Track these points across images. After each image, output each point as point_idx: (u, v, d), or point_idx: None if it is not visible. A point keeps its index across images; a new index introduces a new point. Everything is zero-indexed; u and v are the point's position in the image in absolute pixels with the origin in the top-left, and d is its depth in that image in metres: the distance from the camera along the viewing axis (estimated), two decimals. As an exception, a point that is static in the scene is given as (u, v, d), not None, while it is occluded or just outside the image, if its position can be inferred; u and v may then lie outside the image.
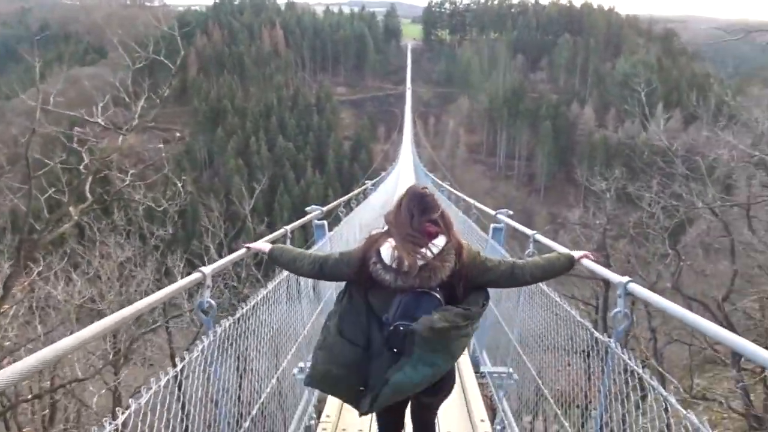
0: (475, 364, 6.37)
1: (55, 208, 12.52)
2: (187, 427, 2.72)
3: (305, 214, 6.60)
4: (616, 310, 2.86)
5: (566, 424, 3.79)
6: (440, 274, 2.74)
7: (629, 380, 2.66)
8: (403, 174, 39.70)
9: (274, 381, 4.21)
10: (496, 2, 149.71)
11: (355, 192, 11.75)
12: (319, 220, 6.76)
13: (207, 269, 3.00)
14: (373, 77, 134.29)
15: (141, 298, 2.69)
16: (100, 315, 12.70)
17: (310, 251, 3.73)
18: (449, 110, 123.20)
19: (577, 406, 3.83)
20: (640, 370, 2.54)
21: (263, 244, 3.50)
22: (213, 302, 2.97)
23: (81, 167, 12.30)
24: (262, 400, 3.90)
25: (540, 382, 4.32)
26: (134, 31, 65.49)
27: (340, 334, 2.89)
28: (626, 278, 2.84)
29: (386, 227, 2.92)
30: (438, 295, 2.75)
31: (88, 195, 12.39)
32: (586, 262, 3.22)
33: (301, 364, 5.06)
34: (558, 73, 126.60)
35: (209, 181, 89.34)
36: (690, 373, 13.26)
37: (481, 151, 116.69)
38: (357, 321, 2.89)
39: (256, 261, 14.72)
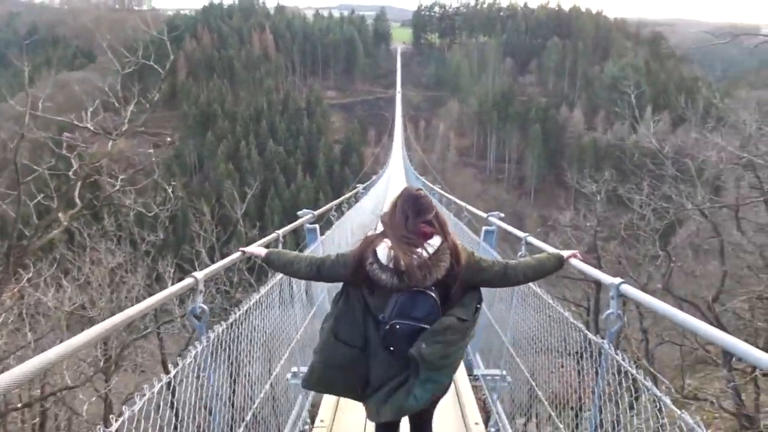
0: (469, 367, 6.37)
1: (44, 213, 12.43)
2: (180, 433, 2.71)
3: (296, 218, 6.58)
4: (608, 311, 2.88)
5: (560, 426, 3.79)
6: (435, 273, 2.78)
7: (623, 381, 2.68)
8: (393, 177, 39.77)
9: (267, 386, 4.19)
10: (485, 6, 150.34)
11: (347, 196, 11.75)
12: (310, 224, 6.75)
13: (199, 274, 2.99)
14: (363, 81, 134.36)
15: (132, 305, 2.68)
16: (91, 322, 12.61)
17: (305, 254, 3.80)
18: (439, 114, 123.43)
19: (571, 408, 3.84)
20: (634, 371, 2.55)
21: (258, 249, 3.50)
22: (206, 307, 2.96)
23: (70, 173, 12.22)
24: (255, 405, 3.89)
25: (534, 384, 4.33)
26: (123, 35, 65.33)
27: (335, 337, 2.94)
28: (618, 279, 2.86)
29: (382, 228, 2.96)
30: (433, 295, 2.79)
31: (78, 200, 12.32)
32: (574, 261, 3.32)
33: (295, 369, 5.05)
34: (547, 76, 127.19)
35: (199, 186, 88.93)
36: (681, 373, 13.32)
37: (471, 154, 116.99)
38: (353, 322, 2.93)
39: (249, 266, 14.68)
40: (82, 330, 2.09)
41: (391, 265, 2.76)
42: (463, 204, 9.25)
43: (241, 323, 3.60)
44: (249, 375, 3.93)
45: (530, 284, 4.31)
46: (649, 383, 2.33)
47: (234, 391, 3.67)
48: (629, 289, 2.79)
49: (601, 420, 2.97)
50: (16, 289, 11.76)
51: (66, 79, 69.40)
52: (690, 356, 14.04)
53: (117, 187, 13.11)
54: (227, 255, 3.89)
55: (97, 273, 14.64)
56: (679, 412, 2.05)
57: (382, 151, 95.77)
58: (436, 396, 2.95)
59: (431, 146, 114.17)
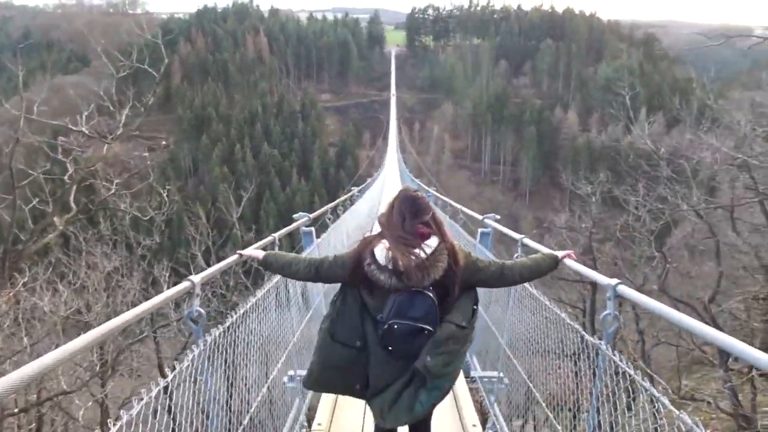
0: (466, 370, 6.37)
1: (40, 218, 12.40)
2: (177, 437, 2.70)
3: (291, 221, 6.56)
4: (605, 312, 2.88)
5: (558, 428, 3.79)
6: (433, 273, 2.82)
7: (621, 382, 2.68)
8: (389, 180, 39.78)
9: (264, 389, 4.18)
10: (479, 8, 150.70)
11: (342, 198, 11.74)
12: (306, 227, 6.75)
13: (196, 278, 2.98)
14: (358, 84, 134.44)
15: (128, 309, 2.68)
16: (87, 326, 12.55)
17: (303, 255, 3.81)
18: (434, 116, 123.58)
19: (569, 410, 3.84)
20: (632, 372, 2.55)
21: (256, 251, 3.54)
22: (202, 311, 2.95)
23: (65, 177, 12.19)
24: (252, 409, 3.87)
25: (531, 385, 4.33)
26: (117, 39, 65.24)
27: (332, 338, 2.98)
28: (615, 280, 2.87)
29: (379, 229, 3.00)
30: (431, 295, 2.82)
31: (73, 205, 12.29)
32: (569, 261, 3.34)
33: (291, 372, 5.04)
34: (541, 78, 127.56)
35: (194, 189, 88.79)
36: (678, 374, 13.33)
37: (466, 156, 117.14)
38: (350, 323, 2.97)
39: (245, 269, 14.64)
40: (78, 335, 2.08)
41: (389, 266, 2.79)
42: (458, 206, 9.25)
43: (238, 327, 3.60)
44: (246, 378, 3.92)
45: (527, 286, 4.37)
46: (647, 384, 2.33)
47: (231, 395, 3.66)
48: (626, 290, 2.80)
49: (599, 421, 2.97)
50: (11, 294, 11.71)
51: (60, 83, 69.33)
52: (686, 357, 14.06)
53: (112, 191, 13.09)
54: (223, 258, 3.88)
55: (93, 277, 14.58)
56: (677, 412, 2.06)
57: (377, 153, 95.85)
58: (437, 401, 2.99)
59: (426, 149, 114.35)
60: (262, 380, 4.27)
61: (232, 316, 3.48)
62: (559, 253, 3.32)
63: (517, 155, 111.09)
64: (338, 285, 3.15)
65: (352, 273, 2.94)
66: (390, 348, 2.85)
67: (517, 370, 4.77)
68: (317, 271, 3.08)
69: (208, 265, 11.94)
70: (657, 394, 2.25)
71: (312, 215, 6.95)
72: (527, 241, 4.65)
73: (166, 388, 2.42)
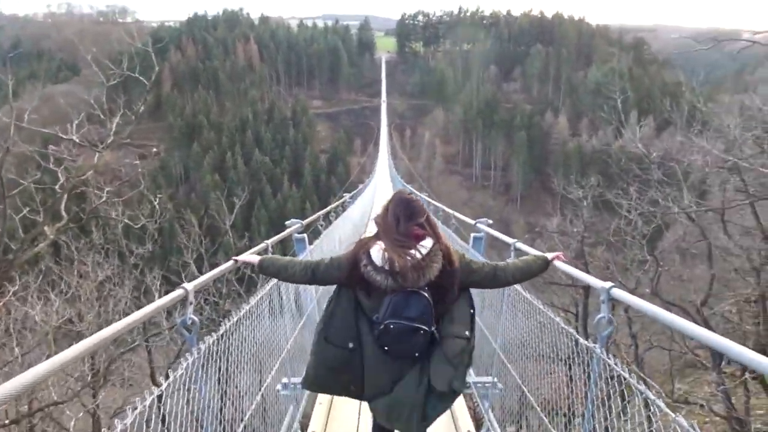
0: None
1: (30, 227, 12.31)
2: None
3: (283, 228, 6.53)
4: (599, 315, 2.88)
5: (553, 432, 3.78)
6: (429, 274, 2.86)
7: (616, 386, 2.68)
8: (380, 186, 39.82)
9: (258, 397, 4.16)
10: (468, 14, 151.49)
11: (334, 205, 11.71)
12: (299, 233, 6.72)
13: (189, 285, 2.96)
14: (348, 90, 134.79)
15: (119, 318, 2.66)
16: (79, 336, 12.46)
17: (299, 259, 3.91)
18: (425, 122, 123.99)
19: (564, 414, 3.83)
20: (627, 375, 2.55)
21: (251, 256, 3.54)
22: (196, 319, 2.94)
23: (57, 187, 12.12)
24: (246, 417, 3.85)
25: (526, 390, 4.32)
26: (108, 47, 65.02)
27: (325, 340, 3.02)
28: (609, 284, 2.87)
29: (371, 232, 3.07)
30: (426, 295, 2.85)
31: (64, 214, 12.21)
32: (558, 263, 3.42)
33: (285, 380, 5.02)
34: (531, 83, 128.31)
35: (186, 197, 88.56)
36: (671, 377, 13.36)
37: (457, 161, 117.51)
38: (344, 324, 3.00)
39: (238, 276, 14.60)
40: (70, 345, 2.06)
41: (386, 267, 2.83)
42: (450, 211, 9.26)
43: (232, 334, 3.58)
44: (239, 386, 3.90)
45: (520, 291, 4.42)
46: (642, 387, 2.33)
47: (224, 403, 3.63)
48: (620, 293, 2.80)
49: (594, 426, 2.96)
50: (1, 304, 11.62)
51: (51, 92, 69.10)
52: (679, 360, 14.08)
53: (103, 199, 13.02)
54: (216, 266, 3.86)
55: (85, 286, 14.48)
56: (673, 415, 2.06)
57: (368, 160, 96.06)
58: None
59: (417, 154, 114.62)
60: (255, 388, 4.25)
61: (225, 324, 3.46)
62: (549, 255, 3.39)
63: (508, 160, 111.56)
64: (332, 291, 3.17)
65: (348, 274, 2.97)
66: (386, 348, 2.88)
67: (511, 375, 4.76)
68: (313, 274, 3.10)
69: (201, 273, 11.88)
70: (653, 397, 2.25)
71: (304, 222, 6.93)
72: (520, 245, 4.65)
73: (160, 396, 2.40)
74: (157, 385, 2.47)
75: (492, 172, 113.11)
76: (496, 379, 5.25)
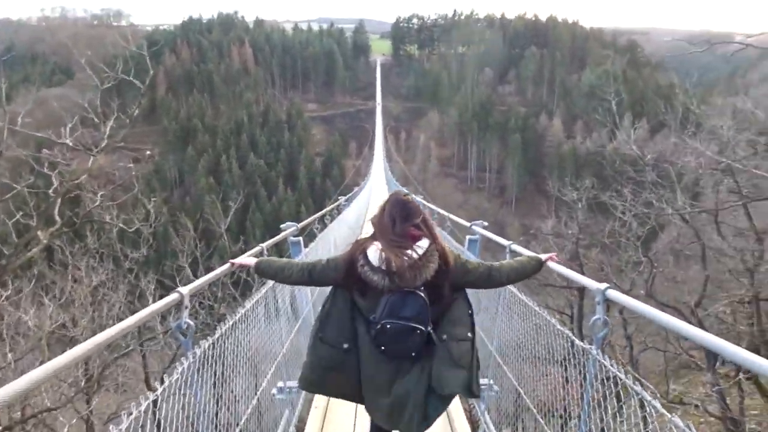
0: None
1: (24, 232, 12.26)
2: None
3: (278, 231, 6.52)
4: (595, 317, 2.89)
5: (550, 434, 3.79)
6: (425, 273, 2.89)
7: (612, 387, 2.68)
8: (375, 189, 39.82)
9: (254, 401, 4.14)
10: (463, 17, 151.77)
11: (329, 208, 11.72)
12: (294, 236, 6.72)
13: (184, 289, 2.96)
14: (343, 93, 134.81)
15: (113, 322, 2.65)
16: (72, 341, 12.40)
17: (295, 260, 3.91)
18: (420, 125, 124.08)
19: (560, 416, 3.83)
20: (623, 376, 2.56)
21: (248, 259, 3.55)
22: (191, 323, 2.93)
23: (50, 191, 12.07)
24: (242, 421, 3.84)
25: (522, 392, 4.32)
26: (102, 51, 64.72)
27: (321, 340, 3.04)
28: (605, 285, 2.88)
29: (366, 233, 3.10)
30: (423, 295, 2.88)
31: (57, 218, 12.16)
32: (552, 263, 3.46)
33: (281, 384, 5.00)
34: (526, 85, 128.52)
35: (180, 201, 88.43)
36: (666, 378, 13.38)
37: (452, 164, 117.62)
38: (339, 324, 3.03)
39: (233, 279, 14.55)
40: (63, 350, 2.05)
41: (383, 267, 2.86)
42: (445, 213, 9.27)
43: (227, 338, 3.57)
44: (235, 391, 3.89)
45: (516, 293, 4.43)
46: (638, 388, 2.33)
47: (220, 407, 3.62)
48: (616, 294, 2.81)
49: (590, 427, 2.96)
50: (-6, 309, 11.56)
51: (44, 96, 68.78)
52: (674, 361, 14.12)
53: (97, 203, 12.97)
54: (211, 269, 3.86)
55: (80, 291, 14.41)
56: (669, 415, 2.06)
57: (363, 162, 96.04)
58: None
59: (412, 157, 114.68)
60: (251, 392, 4.24)
61: (221, 328, 3.46)
62: (543, 256, 3.44)
63: (502, 163, 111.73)
64: (327, 293, 3.19)
65: (345, 275, 3.00)
66: (383, 348, 2.89)
67: (507, 377, 4.76)
68: (310, 275, 3.13)
69: (196, 277, 11.84)
70: (649, 398, 2.26)
71: (300, 225, 6.92)
72: (515, 247, 4.66)
73: (155, 401, 2.39)
74: (152, 390, 2.46)
75: (487, 174, 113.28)
76: (492, 382, 5.25)
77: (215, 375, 3.34)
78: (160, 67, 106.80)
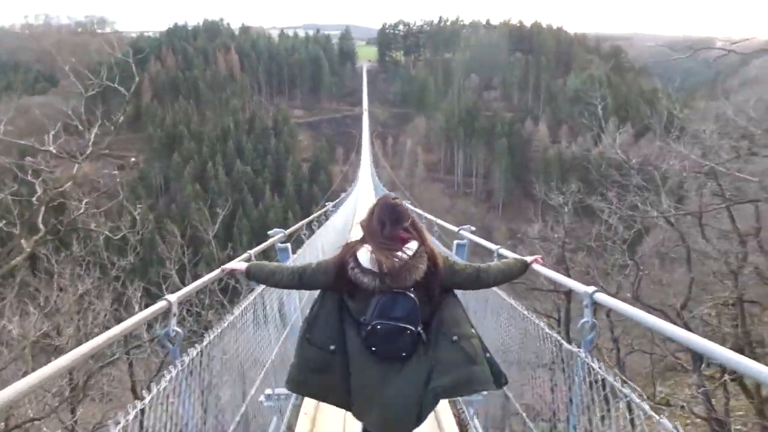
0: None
1: (7, 240, 12.13)
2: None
3: (265, 237, 6.49)
4: (583, 320, 2.90)
5: (538, 438, 3.79)
6: (414, 274, 2.91)
7: (600, 389, 2.69)
8: (362, 194, 39.81)
9: (243, 409, 4.12)
10: (448, 23, 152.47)
11: (317, 214, 11.69)
12: (282, 243, 6.69)
13: (173, 297, 2.94)
14: (330, 99, 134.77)
15: (99, 331, 2.62)
16: (57, 350, 12.26)
17: (286, 264, 3.99)
18: (406, 130, 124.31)
19: (549, 420, 3.84)
20: (612, 379, 2.57)
21: (239, 264, 3.59)
22: (180, 330, 2.91)
23: (34, 199, 11.96)
24: (231, 429, 3.81)
25: (511, 396, 4.33)
26: (86, 58, 64.46)
27: (308, 341, 3.05)
28: (592, 288, 2.89)
29: (361, 235, 3.09)
30: (413, 296, 2.91)
31: (41, 226, 12.05)
32: (536, 265, 3.56)
33: (269, 391, 4.97)
34: (511, 91, 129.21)
35: (166, 208, 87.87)
36: (652, 380, 13.48)
37: (439, 169, 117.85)
38: (327, 326, 3.04)
39: (221, 286, 14.48)
40: (48, 359, 2.03)
41: (374, 269, 2.88)
42: (433, 218, 9.29)
43: (215, 345, 3.54)
44: (223, 398, 3.86)
45: (504, 297, 4.46)
46: (627, 390, 2.35)
47: (208, 415, 3.59)
48: (604, 297, 2.82)
49: (579, 430, 2.97)
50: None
51: (27, 104, 68.05)
52: (660, 364, 14.22)
53: (82, 211, 12.88)
54: (199, 277, 3.84)
55: (65, 300, 14.25)
56: (658, 417, 2.07)
57: (350, 168, 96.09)
58: None
59: (399, 162, 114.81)
60: (239, 399, 4.21)
61: (209, 335, 3.43)
62: (528, 258, 3.56)
63: (489, 167, 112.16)
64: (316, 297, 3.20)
65: (335, 278, 3.02)
66: (373, 349, 2.91)
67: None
68: (300, 278, 3.16)
69: (184, 284, 11.76)
70: (637, 401, 2.27)
71: (287, 231, 6.90)
72: (503, 251, 4.67)
73: (142, 410, 2.37)
74: (139, 398, 2.44)
75: (474, 179, 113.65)
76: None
77: (204, 382, 3.31)
78: (145, 74, 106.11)
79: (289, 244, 6.81)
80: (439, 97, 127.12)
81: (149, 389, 2.52)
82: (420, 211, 11.87)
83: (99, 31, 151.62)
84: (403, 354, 2.92)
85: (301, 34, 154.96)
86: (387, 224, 2.99)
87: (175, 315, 2.92)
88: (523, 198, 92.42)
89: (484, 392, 5.12)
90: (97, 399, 14.98)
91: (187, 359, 2.97)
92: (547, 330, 3.62)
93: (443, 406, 5.81)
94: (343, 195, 26.46)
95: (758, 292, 12.93)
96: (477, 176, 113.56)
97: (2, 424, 11.56)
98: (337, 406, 3.15)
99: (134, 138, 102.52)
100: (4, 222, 11.95)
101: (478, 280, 3.22)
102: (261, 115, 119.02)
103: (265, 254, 6.13)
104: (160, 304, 2.87)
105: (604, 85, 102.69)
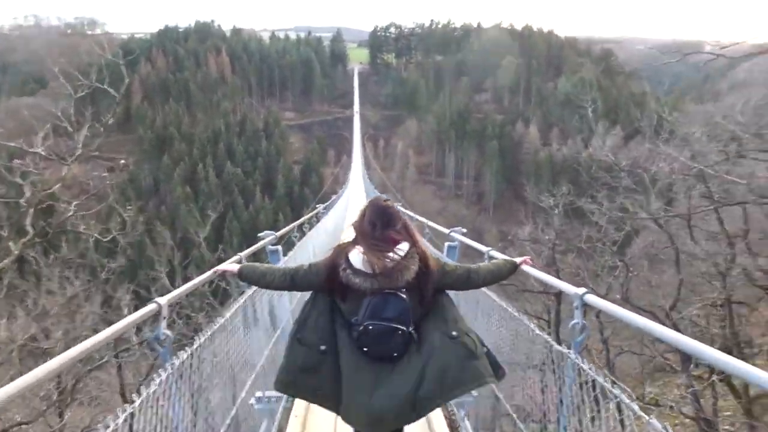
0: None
1: (-5, 242, 12.05)
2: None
3: (255, 240, 6.47)
4: (574, 321, 2.92)
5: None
6: (406, 275, 2.93)
7: (591, 390, 2.70)
8: (354, 196, 39.77)
9: (233, 411, 4.10)
10: (440, 26, 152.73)
11: (308, 216, 11.66)
12: (272, 245, 6.67)
13: (163, 300, 2.92)
14: (321, 101, 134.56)
15: (88, 334, 2.60)
16: (45, 353, 12.17)
17: (278, 266, 3.97)
18: (398, 132, 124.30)
19: (539, 421, 3.85)
20: (602, 380, 2.58)
21: (231, 265, 3.60)
22: (170, 333, 2.90)
23: (22, 201, 11.88)
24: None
25: (501, 396, 4.34)
26: (76, 59, 63.91)
27: (299, 341, 3.05)
28: (583, 290, 2.90)
29: (353, 237, 3.11)
30: (404, 296, 2.93)
31: (30, 228, 11.97)
32: (526, 266, 3.63)
33: (259, 394, 4.95)
34: (502, 93, 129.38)
35: (155, 210, 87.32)
36: (642, 381, 13.54)
37: (430, 171, 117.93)
38: (317, 326, 3.05)
39: (212, 289, 14.42)
40: (36, 363, 2.02)
41: (366, 270, 2.90)
42: (424, 220, 9.29)
43: (206, 348, 3.53)
44: (213, 401, 3.85)
45: (495, 298, 4.48)
46: (617, 391, 2.36)
47: (198, 418, 3.58)
48: (594, 299, 2.83)
49: (569, 431, 2.98)
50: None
51: (16, 105, 67.61)
52: (649, 364, 14.30)
53: (71, 213, 12.80)
54: (189, 279, 3.83)
55: (53, 302, 14.15)
56: (647, 417, 2.08)
57: (341, 170, 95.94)
58: None
59: (391, 165, 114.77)
60: (229, 402, 4.19)
61: (199, 338, 3.42)
62: (518, 259, 3.62)
63: (480, 170, 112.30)
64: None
65: (327, 279, 3.03)
66: (365, 349, 2.91)
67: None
68: (292, 280, 3.17)
69: (174, 286, 11.71)
70: (627, 401, 2.28)
71: (278, 233, 6.89)
72: (494, 253, 4.69)
73: (132, 414, 2.35)
74: (129, 402, 2.42)
75: (465, 181, 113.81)
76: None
77: (193, 385, 3.30)
78: (136, 76, 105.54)
79: (279, 247, 6.80)
80: (431, 99, 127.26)
81: (139, 392, 2.51)
82: (411, 213, 11.87)
83: (89, 32, 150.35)
84: (395, 354, 2.93)
85: (293, 36, 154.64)
86: (378, 226, 3.01)
87: (165, 318, 2.91)
88: (514, 200, 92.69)
89: (475, 393, 5.17)
90: (85, 403, 14.87)
91: (177, 362, 2.95)
92: (537, 331, 3.63)
93: (434, 408, 5.80)
94: (334, 197, 26.40)
95: (746, 293, 13.04)
96: (468, 178, 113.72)
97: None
98: (325, 407, 3.13)
99: (124, 140, 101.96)
100: (-8, 224, 11.87)
101: (468, 281, 3.25)
102: (252, 117, 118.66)
103: (256, 257, 6.11)
104: (149, 307, 2.85)
105: (594, 89, 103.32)
